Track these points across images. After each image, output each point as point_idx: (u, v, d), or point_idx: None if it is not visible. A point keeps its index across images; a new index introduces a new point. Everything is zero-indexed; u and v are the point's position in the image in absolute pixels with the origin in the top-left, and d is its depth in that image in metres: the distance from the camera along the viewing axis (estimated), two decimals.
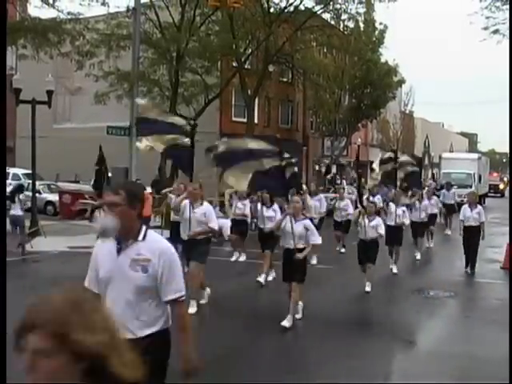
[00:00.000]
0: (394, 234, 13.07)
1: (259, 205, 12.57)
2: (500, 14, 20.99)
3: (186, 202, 9.22)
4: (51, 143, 32.53)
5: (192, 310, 8.27)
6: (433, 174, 43.12)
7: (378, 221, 11.00)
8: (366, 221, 10.89)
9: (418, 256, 15.40)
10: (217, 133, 32.86)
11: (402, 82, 42.96)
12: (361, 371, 6.81)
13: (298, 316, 8.66)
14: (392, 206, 13.61)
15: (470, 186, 33.19)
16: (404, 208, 13.64)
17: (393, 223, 13.22)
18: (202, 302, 9.38)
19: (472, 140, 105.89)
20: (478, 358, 7.43)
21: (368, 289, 10.76)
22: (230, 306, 9.88)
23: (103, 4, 21.00)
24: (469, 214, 13.54)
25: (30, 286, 9.65)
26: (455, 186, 30.37)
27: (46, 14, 21.24)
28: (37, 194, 19.22)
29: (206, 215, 8.99)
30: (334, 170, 38.52)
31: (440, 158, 39.81)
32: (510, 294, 10.11)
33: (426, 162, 55.15)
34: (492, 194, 49.03)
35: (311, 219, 10.00)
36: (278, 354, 7.47)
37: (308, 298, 9.06)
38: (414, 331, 8.82)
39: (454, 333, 8.96)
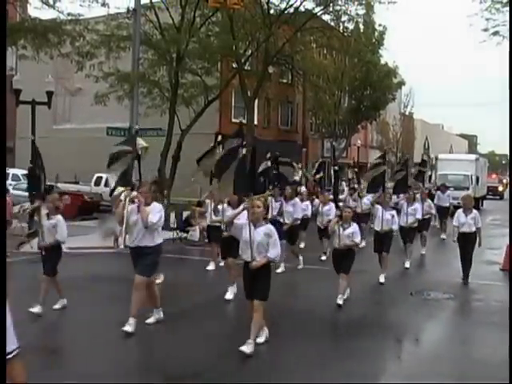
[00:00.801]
0: (381, 240, 12.26)
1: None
2: (500, 16, 21.01)
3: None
4: (51, 144, 32.53)
5: (128, 328, 7.72)
6: (429, 176, 42.02)
7: (354, 228, 9.94)
8: (341, 229, 9.93)
9: (407, 264, 14.22)
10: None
11: (401, 83, 43.02)
12: (360, 373, 6.81)
13: (261, 340, 7.51)
14: (379, 209, 12.54)
15: (468, 188, 32.37)
16: (393, 212, 12.64)
17: (378, 229, 12.38)
18: (150, 321, 8.44)
19: (472, 142, 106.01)
20: (477, 359, 7.44)
21: (340, 302, 9.73)
22: (224, 309, 9.90)
23: (103, 5, 20.98)
24: (463, 220, 12.49)
25: (29, 287, 9.64)
26: (451, 188, 29.95)
27: (46, 14, 21.24)
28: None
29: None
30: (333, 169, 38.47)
31: (436, 158, 38.77)
32: (510, 296, 10.12)
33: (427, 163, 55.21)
34: (491, 197, 48.09)
35: (276, 225, 8.47)
36: (275, 356, 7.46)
37: (305, 300, 9.06)
38: (414, 333, 8.82)
39: (453, 335, 8.96)
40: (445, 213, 20.88)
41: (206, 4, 19.81)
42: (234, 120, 32.94)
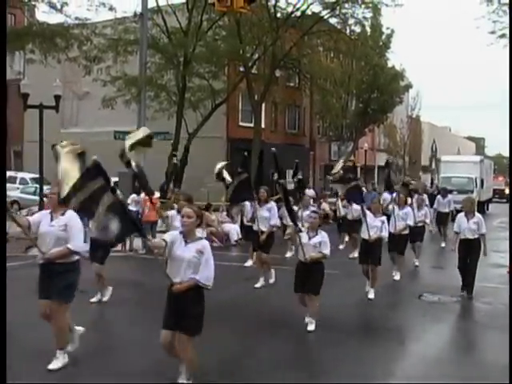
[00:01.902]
0: (368, 250, 10.90)
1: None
2: (507, 19, 20.98)
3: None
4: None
5: (55, 365, 6.48)
6: (431, 179, 40.71)
7: (322, 237, 8.43)
8: (305, 237, 8.46)
9: (397, 277, 12.82)
10: (224, 138, 32.99)
11: (409, 86, 43.00)
12: (364, 376, 6.81)
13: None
14: (368, 215, 11.05)
15: (472, 192, 30.91)
16: (384, 218, 11.24)
17: (366, 237, 11.00)
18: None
19: (479, 144, 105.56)
20: (484, 363, 7.41)
21: (310, 328, 8.46)
22: (234, 311, 9.90)
23: (110, 9, 21.11)
24: (465, 225, 11.14)
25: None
26: (455, 192, 27.73)
27: (54, 19, 21.39)
28: (44, 199, 19.28)
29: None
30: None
31: (439, 161, 37.20)
32: (509, 297, 10.09)
33: (433, 166, 55.08)
34: (497, 200, 46.69)
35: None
36: (282, 359, 7.46)
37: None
38: (420, 336, 8.79)
39: (460, 338, 8.93)
40: (444, 219, 19.31)
41: (212, 8, 19.83)
42: (241, 124, 32.99)
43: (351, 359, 7.51)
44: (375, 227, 10.87)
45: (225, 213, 21.69)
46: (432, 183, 32.98)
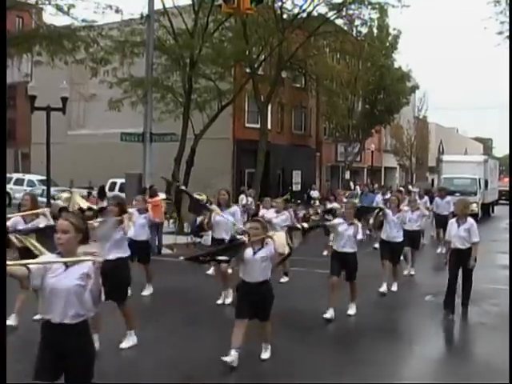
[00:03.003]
0: (341, 263, 9.45)
1: None
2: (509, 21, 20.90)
3: None
4: (66, 149, 32.80)
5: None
6: (432, 180, 39.20)
7: (267, 250, 7.01)
8: (250, 252, 6.96)
9: (382, 288, 11.28)
10: (230, 139, 33.03)
11: (415, 87, 42.90)
12: (371, 376, 6.80)
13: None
14: (341, 223, 9.48)
15: (475, 194, 29.81)
16: (358, 225, 9.46)
17: (339, 249, 9.48)
18: None
19: (487, 145, 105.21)
20: (494, 365, 7.37)
21: (264, 357, 7.25)
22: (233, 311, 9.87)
23: (117, 11, 21.11)
24: (455, 232, 9.66)
25: None
26: (457, 194, 26.86)
27: (61, 21, 21.41)
28: (51, 200, 19.33)
29: None
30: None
31: (441, 161, 34.89)
32: (509, 298, 10.03)
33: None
34: (503, 202, 44.33)
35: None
36: (285, 359, 7.44)
37: (314, 306, 9.02)
38: (428, 338, 8.76)
39: (469, 340, 8.89)
40: (443, 223, 16.70)
41: (219, 9, 19.85)
42: (247, 125, 33.00)
43: (357, 360, 7.50)
44: (348, 237, 9.33)
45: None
46: (432, 184, 32.24)
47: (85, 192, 23.02)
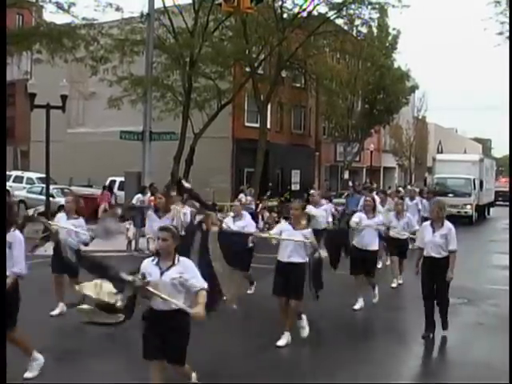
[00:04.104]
0: (285, 278, 7.80)
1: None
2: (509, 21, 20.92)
3: None
4: (65, 148, 32.75)
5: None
6: (424, 180, 35.86)
7: (182, 268, 5.34)
8: (156, 271, 5.33)
9: (358, 305, 10.02)
10: (229, 138, 33.00)
11: (415, 87, 42.91)
12: (368, 376, 6.82)
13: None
14: (286, 228, 7.98)
15: (469, 195, 28.72)
16: (308, 232, 7.83)
17: (283, 259, 7.91)
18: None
19: (486, 145, 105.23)
20: (492, 365, 7.39)
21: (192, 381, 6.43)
22: (238, 311, 9.89)
23: (117, 10, 21.18)
24: (429, 238, 8.29)
25: (42, 289, 9.70)
26: (450, 195, 26.76)
27: (61, 19, 21.45)
28: (50, 198, 19.35)
29: None
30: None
31: (434, 159, 33.35)
32: (510, 298, 10.05)
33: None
34: (501, 203, 43.75)
35: None
36: (284, 360, 7.46)
37: (317, 305, 9.03)
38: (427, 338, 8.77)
39: (467, 340, 8.90)
40: None
41: (219, 8, 19.88)
42: (247, 124, 32.99)
43: (355, 360, 7.51)
44: (292, 249, 7.75)
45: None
46: (425, 184, 30.79)
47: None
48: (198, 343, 7.87)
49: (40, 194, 24.86)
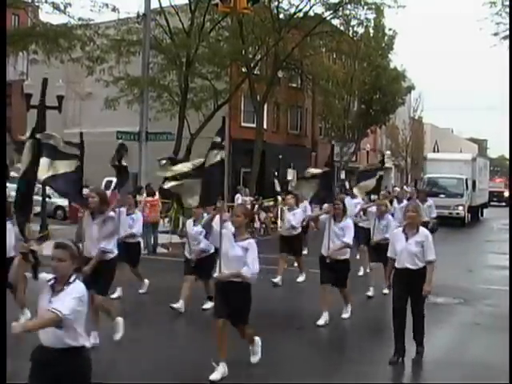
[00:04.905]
0: (225, 297, 6.54)
1: None
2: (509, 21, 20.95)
3: None
4: None
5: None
6: (415, 180, 35.79)
7: (71, 293, 4.23)
8: (46, 298, 4.25)
9: (322, 321, 8.75)
10: (226, 138, 33.03)
11: (411, 87, 43.00)
12: (366, 376, 6.82)
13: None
14: (226, 234, 6.68)
15: (461, 195, 27.60)
16: (248, 244, 6.51)
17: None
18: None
19: (482, 146, 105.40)
20: (488, 365, 7.40)
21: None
22: None
23: (113, 10, 21.14)
24: (401, 246, 7.22)
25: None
26: (442, 195, 25.68)
27: (57, 19, 21.40)
28: (46, 199, 19.30)
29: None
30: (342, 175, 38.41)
31: (424, 158, 32.07)
32: (510, 297, 10.07)
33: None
34: (495, 203, 43.74)
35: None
36: (284, 358, 7.46)
37: (309, 305, 9.04)
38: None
39: (463, 340, 8.91)
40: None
41: (215, 9, 19.89)
42: (243, 124, 33.00)
43: (353, 359, 7.52)
44: (235, 257, 6.45)
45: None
46: (416, 185, 29.98)
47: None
48: (196, 343, 7.88)
49: (36, 194, 24.78)
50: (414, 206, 7.77)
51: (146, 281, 10.89)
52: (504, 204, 45.85)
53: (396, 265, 7.33)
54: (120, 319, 7.65)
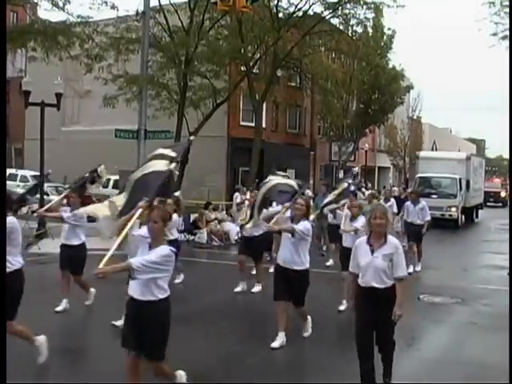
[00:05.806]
0: None
1: None
2: (508, 21, 20.95)
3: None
4: (59, 146, 32.69)
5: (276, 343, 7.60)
6: (406, 180, 34.37)
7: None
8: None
9: (277, 343, 7.75)
10: (225, 137, 33.01)
11: (410, 87, 43.04)
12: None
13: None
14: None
15: (455, 196, 26.42)
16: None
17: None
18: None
19: (480, 146, 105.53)
20: (485, 365, 7.41)
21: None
22: (234, 310, 9.89)
23: (113, 7, 21.09)
24: (366, 261, 6.03)
25: (36, 288, 9.67)
26: (434, 195, 25.03)
27: (56, 16, 21.39)
28: (44, 196, 19.28)
29: None
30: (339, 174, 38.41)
31: (417, 157, 30.78)
32: (510, 297, 10.09)
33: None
34: (492, 204, 43.12)
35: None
36: (282, 359, 7.46)
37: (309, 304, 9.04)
38: (420, 338, 8.79)
39: (461, 340, 8.92)
40: (416, 233, 14.19)
41: (214, 7, 19.87)
42: (242, 123, 33.00)
43: (351, 359, 7.51)
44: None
45: (224, 212, 21.66)
46: (406, 184, 29.15)
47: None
48: (192, 344, 7.88)
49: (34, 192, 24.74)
50: (381, 211, 6.14)
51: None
52: (501, 204, 45.33)
53: (360, 283, 6.05)
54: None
